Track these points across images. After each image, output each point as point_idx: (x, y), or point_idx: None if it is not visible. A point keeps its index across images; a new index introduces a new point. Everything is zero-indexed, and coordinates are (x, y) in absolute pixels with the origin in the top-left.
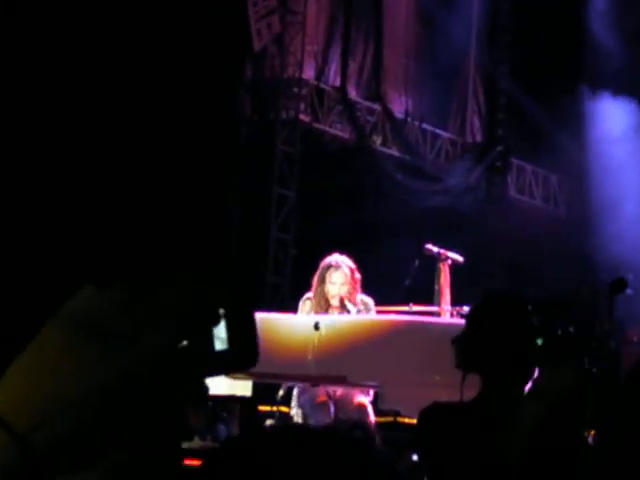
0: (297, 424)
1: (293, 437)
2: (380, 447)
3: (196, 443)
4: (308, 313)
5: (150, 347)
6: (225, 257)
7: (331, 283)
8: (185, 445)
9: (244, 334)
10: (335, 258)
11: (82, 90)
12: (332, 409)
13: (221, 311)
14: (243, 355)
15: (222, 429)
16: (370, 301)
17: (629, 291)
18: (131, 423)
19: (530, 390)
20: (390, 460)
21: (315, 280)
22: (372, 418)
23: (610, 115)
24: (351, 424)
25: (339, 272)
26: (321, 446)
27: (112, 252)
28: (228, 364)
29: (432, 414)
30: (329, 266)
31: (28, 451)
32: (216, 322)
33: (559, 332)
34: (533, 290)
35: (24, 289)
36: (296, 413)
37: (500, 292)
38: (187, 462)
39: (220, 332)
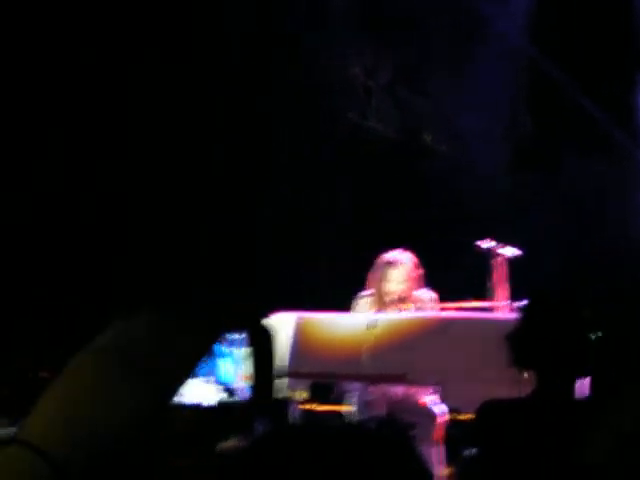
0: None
1: (316, 435)
2: (411, 445)
3: (231, 442)
4: (364, 311)
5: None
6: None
7: (389, 281)
8: (219, 446)
9: (266, 372)
10: (393, 254)
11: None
12: (384, 409)
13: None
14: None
15: (258, 427)
16: (431, 295)
17: None
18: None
19: (614, 403)
20: (419, 458)
21: (372, 277)
22: (441, 417)
23: None
24: (380, 422)
25: (398, 270)
26: (343, 444)
27: (141, 280)
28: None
29: (489, 411)
30: (387, 263)
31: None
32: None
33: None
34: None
35: (57, 316)
36: (352, 413)
37: (552, 288)
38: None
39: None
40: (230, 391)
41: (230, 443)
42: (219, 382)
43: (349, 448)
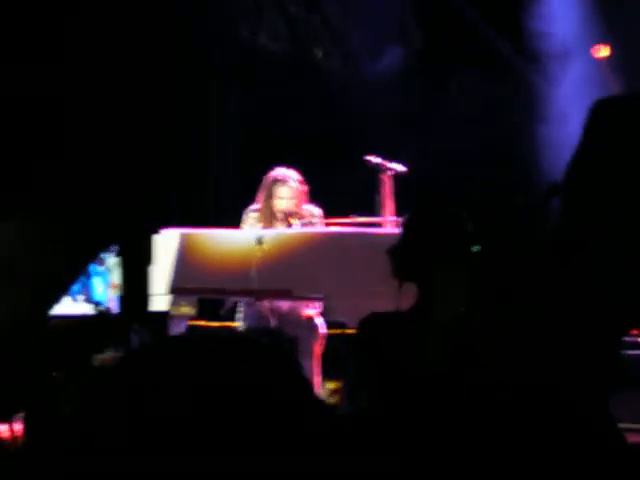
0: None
1: (199, 343)
2: (292, 355)
3: (108, 355)
4: (253, 227)
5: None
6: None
7: (278, 198)
8: (96, 357)
9: (136, 285)
10: (282, 172)
11: None
12: (273, 322)
13: (116, 259)
14: (133, 304)
15: (135, 340)
16: (317, 210)
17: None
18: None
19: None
20: (299, 368)
21: (260, 194)
22: (321, 330)
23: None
24: (259, 332)
25: (286, 187)
26: (225, 351)
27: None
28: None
29: (370, 324)
30: (275, 180)
31: None
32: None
33: (494, 239)
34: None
35: None
36: (240, 328)
37: (434, 200)
38: None
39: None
40: (100, 308)
41: (106, 355)
42: (91, 300)
43: (229, 355)
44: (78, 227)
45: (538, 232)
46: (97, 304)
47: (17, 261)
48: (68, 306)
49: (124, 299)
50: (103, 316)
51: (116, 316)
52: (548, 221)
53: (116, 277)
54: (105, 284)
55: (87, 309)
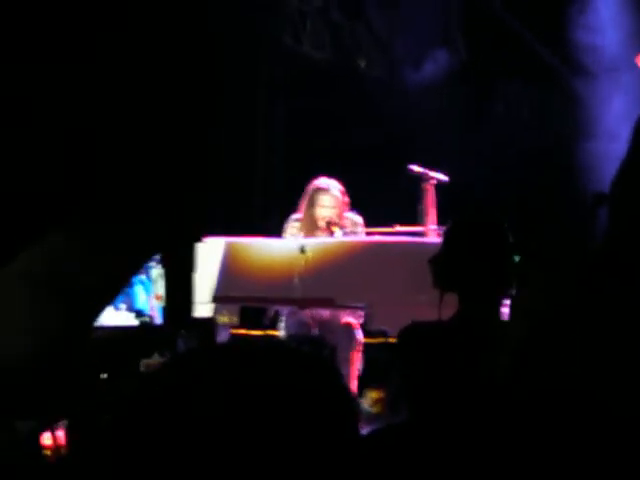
0: (249, 340)
1: (240, 351)
2: (327, 361)
3: (155, 359)
4: (295, 235)
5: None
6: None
7: (320, 206)
8: (143, 362)
9: (180, 295)
10: (324, 181)
11: None
12: (315, 331)
13: (161, 270)
14: (177, 313)
15: (181, 345)
16: (359, 219)
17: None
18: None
19: (513, 309)
20: (338, 375)
21: (303, 203)
22: (359, 337)
23: None
24: (301, 340)
25: (328, 195)
26: (266, 359)
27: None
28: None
29: (411, 334)
30: (318, 189)
31: None
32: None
33: (537, 249)
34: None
35: None
36: (283, 336)
37: (475, 210)
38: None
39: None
40: (143, 317)
41: (153, 360)
42: (133, 309)
43: (270, 364)
44: (124, 239)
45: (582, 242)
46: (139, 313)
47: (62, 275)
48: (110, 315)
49: (168, 307)
50: (146, 326)
51: (159, 325)
52: (594, 232)
53: (160, 288)
54: (147, 293)
55: (129, 318)
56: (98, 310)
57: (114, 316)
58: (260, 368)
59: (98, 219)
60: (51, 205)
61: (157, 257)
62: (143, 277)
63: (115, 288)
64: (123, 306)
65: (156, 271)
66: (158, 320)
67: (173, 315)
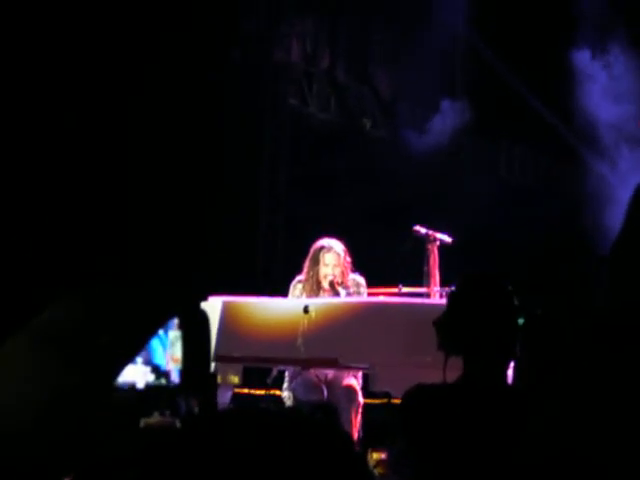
0: (259, 406)
1: (252, 418)
2: (341, 429)
3: (155, 419)
4: (299, 296)
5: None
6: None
7: (324, 265)
8: (143, 421)
9: (197, 357)
10: (327, 241)
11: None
12: (325, 392)
13: (178, 333)
14: (194, 376)
15: (181, 404)
16: (362, 280)
17: None
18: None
19: (517, 373)
20: (350, 441)
21: (307, 263)
22: (360, 400)
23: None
24: (313, 406)
25: (331, 254)
26: (279, 428)
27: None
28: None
29: (415, 396)
30: (321, 248)
31: None
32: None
33: (539, 312)
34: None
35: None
36: (287, 396)
37: (480, 272)
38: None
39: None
40: (159, 373)
41: (153, 419)
42: (151, 363)
43: (285, 435)
44: (140, 299)
45: (586, 306)
46: (156, 368)
47: (79, 337)
48: (127, 369)
49: (185, 370)
50: (162, 388)
51: (173, 387)
52: (597, 295)
53: (177, 351)
54: (163, 346)
55: (146, 373)
56: (116, 371)
57: (130, 370)
58: (274, 442)
59: (113, 281)
60: (67, 267)
61: (174, 320)
62: (160, 332)
63: (132, 349)
64: (140, 359)
65: (173, 333)
66: (175, 379)
67: (191, 378)
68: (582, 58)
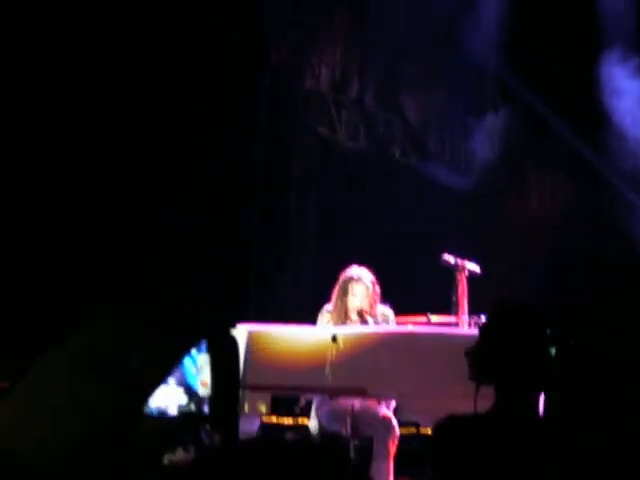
0: (276, 437)
1: (267, 450)
2: (353, 458)
3: (179, 455)
4: (327, 325)
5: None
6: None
7: (352, 295)
8: (167, 458)
9: (226, 388)
10: (356, 271)
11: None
12: (349, 421)
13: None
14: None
15: (205, 439)
16: (390, 313)
17: None
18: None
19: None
20: (363, 473)
21: (335, 292)
22: (397, 431)
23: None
24: (326, 436)
25: (360, 285)
26: (294, 458)
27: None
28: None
29: (447, 427)
30: (350, 279)
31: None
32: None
33: (572, 342)
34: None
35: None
36: (314, 426)
37: (511, 302)
38: None
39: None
40: (191, 394)
41: (177, 456)
42: (183, 384)
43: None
44: (170, 321)
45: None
46: (189, 389)
47: (111, 356)
48: (160, 392)
49: (214, 403)
50: (191, 416)
51: (204, 417)
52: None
53: (206, 376)
54: (195, 366)
55: (178, 393)
56: (148, 391)
57: (163, 393)
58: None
59: (145, 302)
60: (102, 287)
61: (203, 344)
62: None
63: (163, 370)
64: (173, 380)
65: (202, 358)
66: (205, 407)
67: (218, 412)
68: (615, 78)
